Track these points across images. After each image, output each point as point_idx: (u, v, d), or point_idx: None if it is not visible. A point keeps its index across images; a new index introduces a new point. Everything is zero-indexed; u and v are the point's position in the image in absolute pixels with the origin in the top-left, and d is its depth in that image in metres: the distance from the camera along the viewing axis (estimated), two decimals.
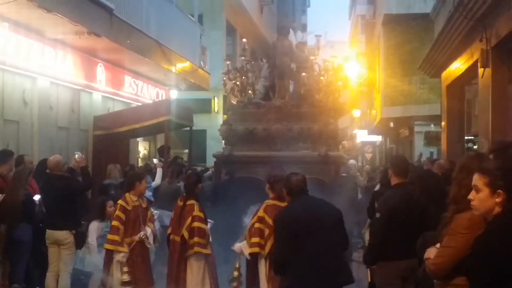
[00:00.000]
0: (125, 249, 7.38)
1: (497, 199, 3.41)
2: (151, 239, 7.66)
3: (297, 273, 5.38)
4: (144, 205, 7.79)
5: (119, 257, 7.36)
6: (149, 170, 11.86)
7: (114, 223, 7.45)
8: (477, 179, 3.49)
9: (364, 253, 6.49)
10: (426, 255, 3.89)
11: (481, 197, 3.45)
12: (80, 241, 8.36)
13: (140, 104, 16.60)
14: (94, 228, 8.49)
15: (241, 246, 6.97)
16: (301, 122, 12.81)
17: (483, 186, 3.45)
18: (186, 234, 7.38)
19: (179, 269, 7.49)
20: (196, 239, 7.37)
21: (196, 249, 7.38)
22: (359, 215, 11.00)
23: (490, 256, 3.23)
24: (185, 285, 7.47)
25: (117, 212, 7.48)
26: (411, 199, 5.81)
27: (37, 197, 8.56)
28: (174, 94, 18.63)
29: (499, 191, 3.40)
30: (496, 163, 3.51)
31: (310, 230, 5.36)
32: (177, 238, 7.49)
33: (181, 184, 11.74)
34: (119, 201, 7.62)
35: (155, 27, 14.47)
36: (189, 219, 7.42)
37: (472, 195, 3.51)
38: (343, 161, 13.20)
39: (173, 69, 15.94)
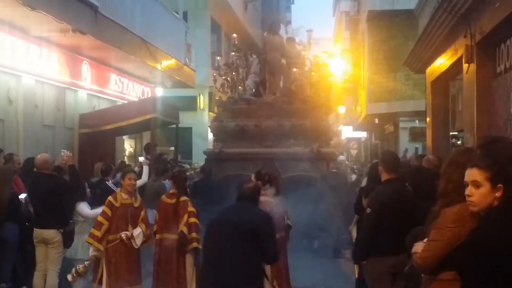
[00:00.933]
0: (101, 247, 7.39)
1: (497, 194, 3.34)
2: (139, 240, 7.60)
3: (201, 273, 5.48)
4: (136, 204, 7.75)
5: (92, 251, 7.40)
6: (124, 168, 11.60)
7: (99, 218, 7.49)
8: (476, 174, 3.39)
9: (354, 249, 6.51)
10: (413, 250, 3.85)
11: (483, 192, 3.36)
12: (68, 240, 8.31)
13: (125, 102, 16.56)
14: (83, 205, 8.52)
15: None
16: (292, 118, 12.72)
17: (485, 181, 3.36)
18: (185, 230, 7.45)
19: (179, 266, 7.55)
20: (193, 234, 7.49)
21: (195, 244, 7.48)
22: (348, 211, 11.05)
23: (487, 250, 3.18)
24: (185, 280, 7.53)
25: (104, 208, 7.52)
26: (401, 195, 5.84)
27: (23, 196, 8.51)
28: (159, 92, 18.60)
29: (500, 185, 3.33)
30: (489, 157, 3.47)
31: (214, 237, 5.31)
32: (172, 236, 7.55)
33: (166, 181, 11.71)
34: (109, 197, 7.63)
35: (140, 24, 14.42)
36: (186, 215, 7.50)
37: (469, 191, 3.42)
38: (335, 158, 13.18)
39: (158, 66, 15.91)
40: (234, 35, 14.59)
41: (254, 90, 13.34)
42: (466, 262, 3.33)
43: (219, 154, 12.49)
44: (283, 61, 13.31)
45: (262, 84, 13.27)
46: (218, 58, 13.98)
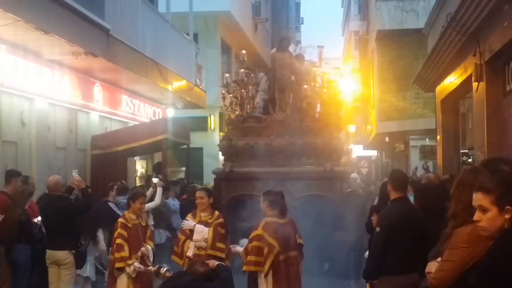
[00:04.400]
0: (133, 261, 7.39)
1: (506, 216, 3.22)
2: (151, 256, 7.68)
3: None
4: (143, 224, 7.85)
5: (133, 268, 7.35)
6: (124, 189, 11.60)
7: (118, 241, 7.45)
8: (481, 199, 3.30)
9: (364, 268, 6.50)
10: (427, 269, 3.85)
11: (490, 216, 3.26)
12: (80, 260, 8.37)
13: (137, 123, 16.64)
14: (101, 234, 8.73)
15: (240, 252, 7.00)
16: (304, 137, 12.29)
17: (491, 205, 3.26)
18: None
19: None
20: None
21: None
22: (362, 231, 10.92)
23: (501, 273, 3.12)
24: None
25: (119, 230, 7.50)
26: (410, 214, 5.85)
27: (38, 219, 8.60)
28: (170, 113, 18.70)
29: (508, 207, 3.22)
30: (494, 179, 3.42)
31: None
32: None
33: (170, 200, 11.77)
34: (120, 219, 7.67)
35: (151, 46, 14.53)
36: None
37: (478, 216, 3.32)
38: (347, 177, 12.86)
39: (169, 87, 15.99)
40: (243, 51, 14.21)
41: (263, 107, 13.06)
42: (481, 285, 3.28)
43: (229, 174, 12.27)
44: (293, 78, 13.08)
45: (271, 101, 12.99)
46: (227, 75, 13.61)
